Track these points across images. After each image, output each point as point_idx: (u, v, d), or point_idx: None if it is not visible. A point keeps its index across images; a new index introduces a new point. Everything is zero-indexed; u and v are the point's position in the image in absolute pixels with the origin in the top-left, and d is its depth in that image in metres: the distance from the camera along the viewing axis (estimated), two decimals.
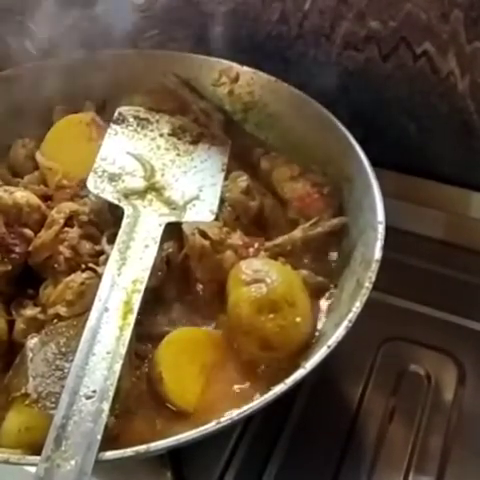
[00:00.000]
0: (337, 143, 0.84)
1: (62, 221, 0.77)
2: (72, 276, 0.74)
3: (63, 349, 0.68)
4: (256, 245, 0.78)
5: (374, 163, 0.82)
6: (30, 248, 0.77)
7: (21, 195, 0.80)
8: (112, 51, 0.97)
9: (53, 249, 0.76)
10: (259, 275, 0.71)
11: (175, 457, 0.75)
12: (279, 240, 0.80)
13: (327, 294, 0.78)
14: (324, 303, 0.78)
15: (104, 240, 0.78)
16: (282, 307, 0.70)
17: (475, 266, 0.97)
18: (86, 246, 0.77)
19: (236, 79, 0.94)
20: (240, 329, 0.70)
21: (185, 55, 0.96)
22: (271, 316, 0.69)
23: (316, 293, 0.77)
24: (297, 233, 0.81)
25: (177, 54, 0.96)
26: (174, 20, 1.02)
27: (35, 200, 0.80)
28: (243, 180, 0.84)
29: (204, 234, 0.77)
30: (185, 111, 0.94)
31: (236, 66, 0.94)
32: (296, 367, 0.66)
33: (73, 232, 0.77)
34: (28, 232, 0.78)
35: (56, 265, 0.76)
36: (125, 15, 1.04)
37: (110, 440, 0.63)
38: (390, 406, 0.83)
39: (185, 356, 0.71)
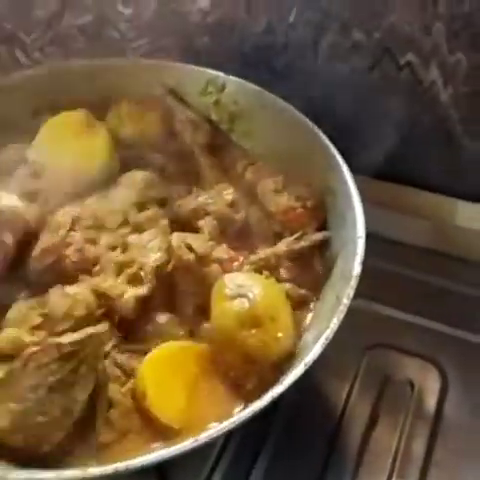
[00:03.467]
0: (321, 154, 0.85)
1: (68, 225, 0.77)
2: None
3: None
4: (241, 259, 0.78)
5: (359, 172, 0.83)
6: (34, 253, 0.76)
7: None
8: (99, 60, 0.97)
9: (59, 253, 0.76)
10: (242, 290, 0.72)
11: (159, 467, 0.76)
12: (263, 254, 0.80)
13: (311, 306, 0.79)
14: (307, 315, 0.78)
15: (103, 245, 0.78)
16: (264, 322, 0.70)
17: (460, 274, 0.97)
18: (90, 250, 0.77)
19: (222, 89, 0.95)
20: (223, 343, 0.71)
21: (172, 64, 0.96)
22: (253, 331, 0.70)
23: (299, 305, 0.78)
24: (281, 247, 0.81)
25: (164, 63, 0.96)
26: (162, 30, 1.03)
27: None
28: (229, 193, 0.85)
29: (190, 247, 0.77)
30: (170, 121, 0.95)
31: (222, 75, 0.94)
32: (280, 377, 0.67)
33: (78, 235, 0.77)
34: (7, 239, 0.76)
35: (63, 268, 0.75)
36: (113, 24, 1.05)
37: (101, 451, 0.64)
38: (374, 413, 0.84)
39: (169, 372, 0.71)
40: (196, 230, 0.82)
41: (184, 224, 0.83)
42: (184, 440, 0.61)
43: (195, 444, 0.61)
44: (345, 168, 0.82)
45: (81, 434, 0.66)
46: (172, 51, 1.02)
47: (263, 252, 0.80)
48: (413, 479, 0.79)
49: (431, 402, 0.85)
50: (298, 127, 0.87)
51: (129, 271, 0.75)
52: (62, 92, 0.94)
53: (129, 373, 0.71)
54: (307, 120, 0.87)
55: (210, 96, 0.96)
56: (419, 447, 0.81)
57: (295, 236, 0.81)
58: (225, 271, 0.76)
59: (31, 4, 1.07)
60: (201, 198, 0.85)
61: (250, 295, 0.71)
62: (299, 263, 0.81)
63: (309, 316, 0.78)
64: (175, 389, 0.70)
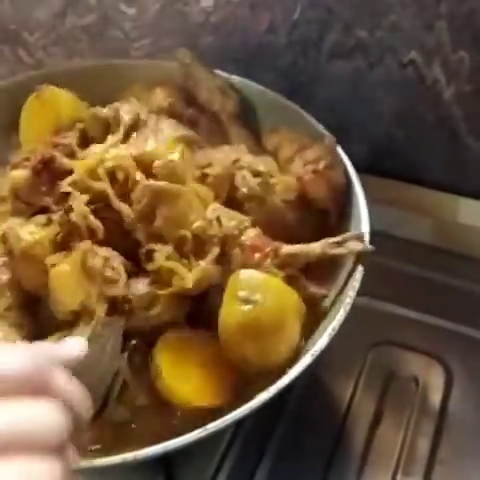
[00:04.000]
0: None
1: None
2: None
3: None
4: (267, 250, 0.73)
5: (362, 170, 0.83)
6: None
7: None
8: (101, 60, 0.98)
9: None
10: (254, 295, 0.69)
11: (167, 461, 0.77)
12: (295, 250, 0.74)
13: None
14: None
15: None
16: (267, 333, 0.69)
17: (462, 271, 0.98)
18: None
19: None
20: (225, 343, 0.71)
21: (175, 64, 0.96)
22: (254, 340, 0.69)
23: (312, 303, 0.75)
24: (316, 248, 0.74)
25: (167, 63, 0.97)
26: (165, 30, 1.03)
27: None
28: (290, 190, 0.80)
29: (220, 223, 0.73)
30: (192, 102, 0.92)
31: (226, 75, 0.94)
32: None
33: None
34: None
35: None
36: (116, 24, 1.05)
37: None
38: (378, 410, 0.84)
39: (182, 353, 0.71)
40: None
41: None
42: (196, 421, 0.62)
43: (203, 434, 0.61)
44: (348, 164, 0.82)
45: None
46: (175, 51, 1.02)
47: (295, 247, 0.74)
48: (418, 476, 0.79)
49: (436, 399, 0.85)
50: (302, 126, 0.87)
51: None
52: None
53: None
54: (311, 119, 0.87)
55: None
56: (424, 444, 0.81)
57: (335, 239, 0.74)
58: (244, 260, 0.72)
59: (34, 4, 1.07)
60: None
61: (259, 304, 0.69)
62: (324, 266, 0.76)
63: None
64: (189, 370, 0.71)
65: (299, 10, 0.93)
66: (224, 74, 0.94)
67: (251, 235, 0.73)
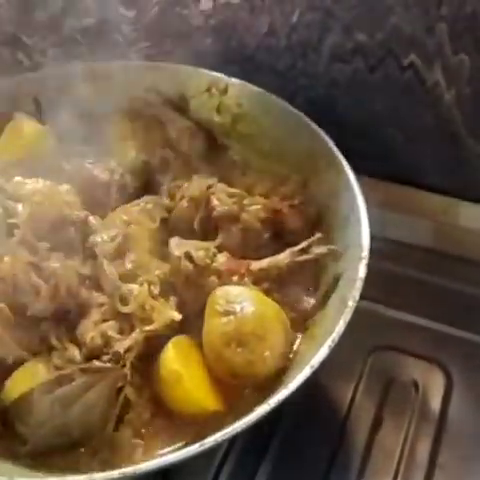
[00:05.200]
0: (324, 156, 0.85)
1: None
2: None
3: None
4: (242, 270, 0.77)
5: (362, 173, 0.83)
6: None
7: None
8: (99, 63, 0.98)
9: None
10: (231, 307, 0.71)
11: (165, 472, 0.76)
12: (265, 264, 0.78)
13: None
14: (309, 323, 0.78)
15: None
16: (250, 341, 0.70)
17: (464, 275, 0.97)
18: None
19: (225, 91, 0.95)
20: (211, 357, 0.71)
21: (174, 66, 0.97)
22: (239, 350, 0.69)
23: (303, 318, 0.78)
24: (284, 258, 0.79)
25: (166, 66, 0.97)
26: (164, 32, 1.03)
27: None
28: (260, 209, 0.83)
29: (190, 257, 0.76)
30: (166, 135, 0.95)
31: (225, 78, 0.94)
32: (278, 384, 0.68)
33: None
34: None
35: None
36: (115, 27, 1.05)
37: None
38: (378, 414, 0.84)
39: (190, 357, 0.72)
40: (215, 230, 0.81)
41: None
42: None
43: (201, 449, 0.61)
44: (349, 170, 0.82)
45: None
46: (175, 54, 1.02)
47: (264, 262, 0.78)
48: None
49: (436, 403, 0.85)
50: (301, 129, 0.87)
51: None
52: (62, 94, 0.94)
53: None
54: (310, 121, 0.87)
55: (213, 98, 0.96)
56: (424, 449, 0.81)
57: (299, 247, 0.79)
58: (224, 284, 0.75)
59: (33, 6, 1.07)
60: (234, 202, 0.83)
61: (239, 313, 0.71)
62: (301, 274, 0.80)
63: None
64: (202, 374, 0.72)
65: (298, 13, 0.93)
66: (223, 76, 0.94)
67: (222, 260, 0.77)
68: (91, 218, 0.80)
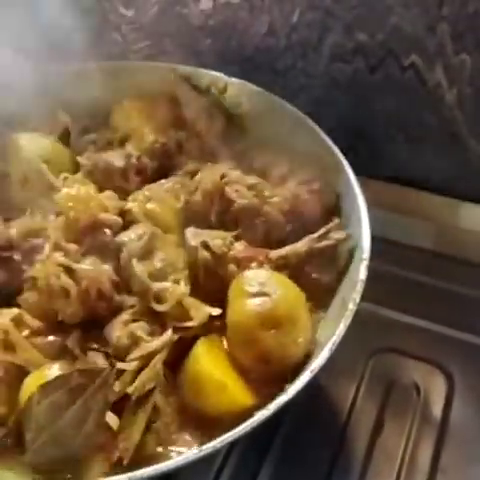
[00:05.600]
0: (324, 156, 0.84)
1: None
2: None
3: None
4: (260, 258, 0.75)
5: (362, 174, 0.82)
6: None
7: None
8: (98, 63, 0.97)
9: None
10: (264, 288, 0.70)
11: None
12: (284, 251, 0.76)
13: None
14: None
15: None
16: (285, 324, 0.68)
17: (464, 276, 0.97)
18: None
19: (224, 90, 0.94)
20: (240, 340, 0.70)
21: (173, 66, 0.96)
22: (273, 332, 0.68)
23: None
24: (302, 245, 0.77)
25: (166, 65, 0.96)
26: (163, 32, 1.03)
27: None
28: (284, 200, 0.81)
29: (207, 246, 0.75)
30: (179, 114, 0.94)
31: (224, 77, 0.94)
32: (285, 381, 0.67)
33: None
34: None
35: None
36: (115, 27, 1.04)
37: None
38: (379, 418, 0.83)
39: (219, 357, 0.71)
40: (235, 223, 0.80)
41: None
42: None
43: (200, 454, 0.60)
44: (349, 170, 0.81)
45: None
46: (174, 53, 1.02)
47: (283, 250, 0.77)
48: None
49: (437, 406, 0.84)
50: (301, 129, 0.87)
51: None
52: (58, 96, 0.93)
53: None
54: (310, 122, 0.86)
55: (212, 98, 0.95)
56: (425, 452, 0.80)
57: (318, 233, 0.78)
58: (243, 271, 0.73)
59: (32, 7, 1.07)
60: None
61: (273, 295, 0.69)
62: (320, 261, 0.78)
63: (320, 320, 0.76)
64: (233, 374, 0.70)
65: (298, 12, 0.93)
66: (223, 76, 0.93)
67: (240, 248, 0.76)
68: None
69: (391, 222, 0.98)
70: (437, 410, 0.84)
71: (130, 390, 0.67)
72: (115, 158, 0.86)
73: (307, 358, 0.70)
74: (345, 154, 0.83)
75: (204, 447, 0.61)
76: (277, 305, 0.69)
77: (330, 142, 0.84)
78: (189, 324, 0.70)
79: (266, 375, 0.69)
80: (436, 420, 0.83)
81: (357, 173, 0.81)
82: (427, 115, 0.95)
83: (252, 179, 0.82)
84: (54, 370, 0.69)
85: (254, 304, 0.69)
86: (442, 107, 0.93)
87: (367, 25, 0.90)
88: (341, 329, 0.67)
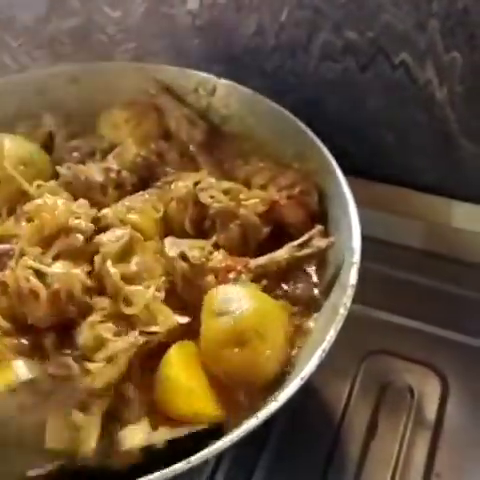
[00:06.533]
0: (313, 157, 0.83)
1: None
2: None
3: None
4: (239, 267, 0.75)
5: (352, 174, 0.81)
6: None
7: None
8: (84, 64, 0.96)
9: None
10: (229, 306, 0.69)
11: None
12: (263, 260, 0.76)
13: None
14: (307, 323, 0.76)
15: None
16: (251, 340, 0.67)
17: (457, 276, 0.96)
18: None
19: (213, 91, 0.93)
20: (209, 356, 0.69)
21: (161, 67, 0.95)
22: (236, 350, 0.67)
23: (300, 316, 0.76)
24: (282, 253, 0.76)
25: (153, 66, 0.95)
26: (150, 33, 1.02)
27: None
28: (259, 203, 0.81)
29: (185, 257, 0.74)
30: (164, 124, 0.93)
31: (213, 78, 0.93)
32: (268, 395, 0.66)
33: None
34: None
35: None
36: (101, 28, 1.04)
37: None
38: (373, 420, 0.83)
39: (192, 364, 0.70)
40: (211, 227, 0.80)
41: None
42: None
43: (188, 466, 0.59)
44: (339, 171, 0.80)
45: None
46: (161, 54, 1.01)
47: (262, 258, 0.76)
48: None
49: (431, 409, 0.84)
50: (290, 129, 0.86)
51: None
52: (44, 97, 0.93)
53: None
54: (299, 122, 0.85)
55: (200, 99, 0.94)
56: (420, 455, 0.80)
57: (298, 242, 0.77)
58: (221, 282, 0.73)
59: (18, 8, 1.06)
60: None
61: (236, 311, 0.68)
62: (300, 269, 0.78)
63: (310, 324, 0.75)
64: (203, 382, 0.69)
65: (286, 11, 0.92)
66: (211, 77, 0.92)
67: (219, 258, 0.75)
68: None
69: (382, 221, 0.97)
70: (431, 412, 0.84)
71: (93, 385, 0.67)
72: (95, 172, 0.84)
73: (290, 368, 0.70)
74: (335, 154, 0.82)
75: (193, 458, 0.60)
76: (240, 321, 0.68)
77: (319, 142, 0.83)
78: (154, 329, 0.70)
79: (240, 387, 0.69)
80: (430, 422, 0.83)
81: (347, 173, 0.80)
82: (418, 114, 0.94)
83: (227, 184, 0.82)
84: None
85: (218, 323, 0.69)
86: (433, 105, 0.92)
87: (357, 23, 0.90)
88: (332, 335, 0.66)
